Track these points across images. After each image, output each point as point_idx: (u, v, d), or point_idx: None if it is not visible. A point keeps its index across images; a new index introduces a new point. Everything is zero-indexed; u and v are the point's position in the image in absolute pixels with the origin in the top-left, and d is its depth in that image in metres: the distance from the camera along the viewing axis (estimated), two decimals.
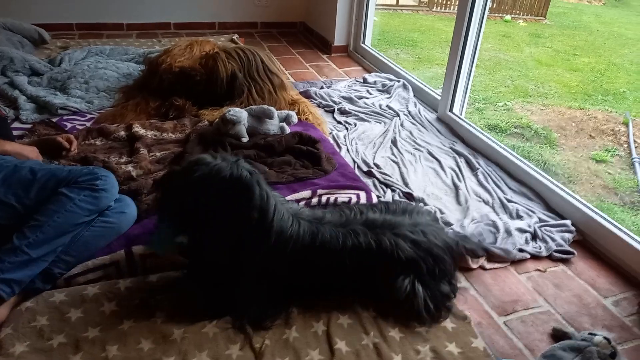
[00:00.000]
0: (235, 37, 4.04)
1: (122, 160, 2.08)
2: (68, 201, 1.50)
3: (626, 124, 3.67)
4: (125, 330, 1.37)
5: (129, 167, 1.97)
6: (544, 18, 7.32)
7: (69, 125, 2.38)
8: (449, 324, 1.48)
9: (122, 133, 2.29)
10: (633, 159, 3.20)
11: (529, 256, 1.92)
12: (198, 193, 1.32)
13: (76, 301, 1.44)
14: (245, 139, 2.24)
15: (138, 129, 2.31)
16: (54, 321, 1.38)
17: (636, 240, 1.90)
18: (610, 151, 3.32)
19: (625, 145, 3.41)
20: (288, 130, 2.37)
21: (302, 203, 1.89)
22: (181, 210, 1.34)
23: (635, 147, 3.35)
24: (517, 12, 7.40)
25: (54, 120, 2.40)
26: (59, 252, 1.50)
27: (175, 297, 1.46)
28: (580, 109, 3.98)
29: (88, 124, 2.41)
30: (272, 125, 2.34)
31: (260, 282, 1.44)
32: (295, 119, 2.43)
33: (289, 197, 1.89)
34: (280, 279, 1.46)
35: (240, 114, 2.24)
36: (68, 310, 1.41)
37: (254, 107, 2.36)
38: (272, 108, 2.33)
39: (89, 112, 2.54)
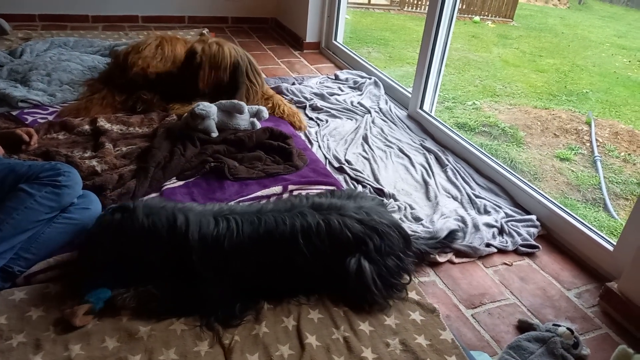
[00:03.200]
0: (205, 31, 3.98)
1: (86, 154, 2.02)
2: (28, 198, 1.45)
3: (589, 124, 3.79)
4: (89, 329, 1.33)
5: (94, 162, 1.92)
6: (511, 20, 7.50)
7: (29, 118, 2.29)
8: (418, 316, 1.49)
9: (87, 127, 2.23)
10: (595, 157, 3.31)
11: (495, 250, 1.96)
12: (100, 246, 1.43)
13: (37, 299, 1.39)
14: (214, 134, 2.21)
15: (103, 122, 2.25)
16: (13, 320, 1.33)
17: (598, 235, 1.96)
18: (573, 149, 3.42)
19: (588, 144, 3.52)
20: (259, 125, 2.35)
21: (274, 199, 1.88)
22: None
23: (597, 146, 3.47)
24: (486, 13, 7.56)
25: (14, 113, 2.32)
26: (18, 249, 1.44)
27: (141, 294, 1.42)
28: (546, 109, 4.09)
29: (50, 118, 2.33)
30: (243, 121, 2.31)
31: (218, 283, 1.42)
32: (266, 114, 2.41)
33: (259, 193, 1.88)
34: (241, 276, 1.45)
35: (209, 108, 2.21)
36: (28, 309, 1.36)
37: (223, 101, 2.32)
38: (242, 103, 2.31)
39: (51, 106, 2.46)
